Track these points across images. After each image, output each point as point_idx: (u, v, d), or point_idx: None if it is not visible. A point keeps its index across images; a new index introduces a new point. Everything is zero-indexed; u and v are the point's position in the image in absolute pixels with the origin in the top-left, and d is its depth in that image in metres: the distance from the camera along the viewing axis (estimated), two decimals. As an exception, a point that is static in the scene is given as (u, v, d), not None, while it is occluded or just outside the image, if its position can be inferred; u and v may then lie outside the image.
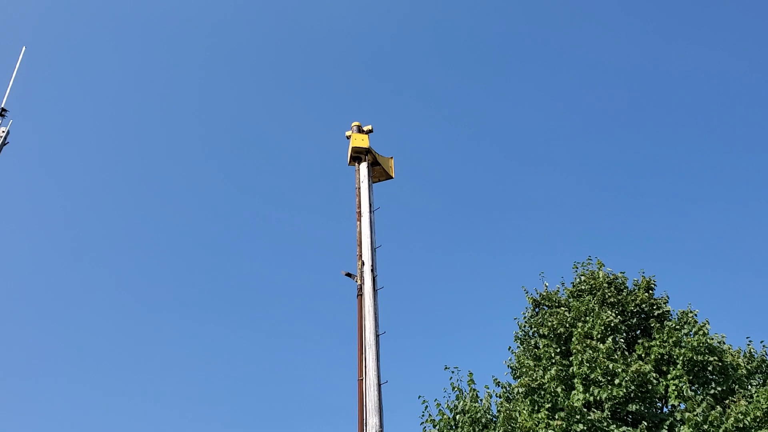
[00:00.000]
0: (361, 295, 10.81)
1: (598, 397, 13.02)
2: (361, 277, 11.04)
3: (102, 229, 49.52)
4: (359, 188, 12.26)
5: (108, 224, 50.39)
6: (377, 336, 10.20)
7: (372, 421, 9.35)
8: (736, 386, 13.66)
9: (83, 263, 48.19)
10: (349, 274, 11.16)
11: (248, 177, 53.04)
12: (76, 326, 45.18)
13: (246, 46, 53.73)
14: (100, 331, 45.38)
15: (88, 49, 51.11)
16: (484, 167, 52.42)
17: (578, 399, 12.98)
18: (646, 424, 12.71)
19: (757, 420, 12.40)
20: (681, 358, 13.56)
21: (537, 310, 16.23)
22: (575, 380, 13.39)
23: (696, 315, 14.90)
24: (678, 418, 12.91)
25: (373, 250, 11.42)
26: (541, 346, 14.74)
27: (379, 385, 9.67)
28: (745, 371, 14.00)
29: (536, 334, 15.55)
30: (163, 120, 52.38)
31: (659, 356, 13.81)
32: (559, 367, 13.76)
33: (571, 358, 13.91)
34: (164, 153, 52.42)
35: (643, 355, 14.06)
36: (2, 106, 13.32)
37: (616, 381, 13.01)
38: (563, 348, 14.61)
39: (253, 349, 45.43)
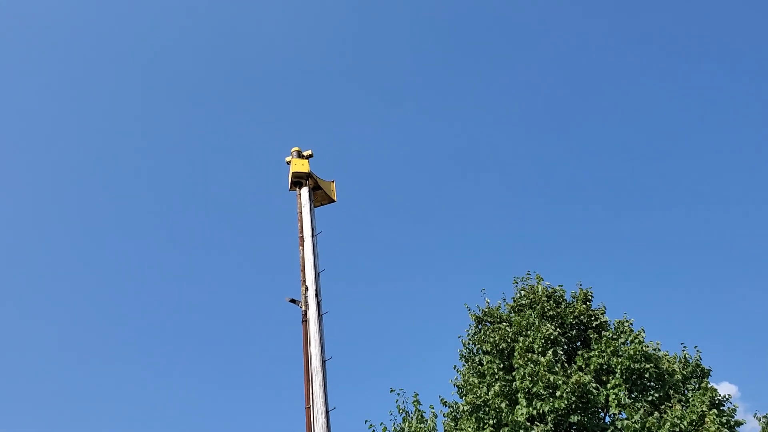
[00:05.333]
0: (306, 320, 10.73)
1: (540, 411, 13.27)
2: (305, 302, 10.97)
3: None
4: (301, 213, 12.22)
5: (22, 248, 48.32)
6: (323, 362, 10.14)
7: (321, 448, 9.29)
8: (672, 391, 14.15)
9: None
10: (293, 300, 11.07)
11: (186, 203, 52.10)
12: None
13: (184, 70, 53.07)
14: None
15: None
16: (425, 188, 52.99)
17: (522, 413, 13.21)
18: (588, 434, 13.04)
19: (693, 423, 12.88)
20: (619, 367, 13.97)
21: (480, 326, 16.45)
22: (518, 395, 13.62)
23: (632, 324, 15.42)
24: (618, 427, 13.27)
25: (316, 274, 11.37)
26: (484, 363, 14.95)
27: (327, 411, 9.61)
28: (680, 377, 14.51)
29: (480, 351, 15.77)
30: (96, 139, 51.07)
31: (598, 366, 14.19)
32: (503, 383, 13.98)
33: (514, 373, 14.15)
34: (96, 171, 51.03)
35: (583, 366, 14.42)
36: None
37: (558, 393, 13.30)
38: (506, 363, 14.85)
39: (196, 379, 44.29)
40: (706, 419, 12.82)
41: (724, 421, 13.24)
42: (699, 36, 52.19)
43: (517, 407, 13.42)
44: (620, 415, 13.62)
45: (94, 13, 50.32)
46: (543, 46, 53.17)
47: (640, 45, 51.77)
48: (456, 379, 15.60)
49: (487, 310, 16.54)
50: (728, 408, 13.96)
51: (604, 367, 14.23)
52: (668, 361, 14.68)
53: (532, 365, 13.73)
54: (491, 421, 13.39)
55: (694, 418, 12.88)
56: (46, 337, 45.04)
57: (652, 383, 14.20)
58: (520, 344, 14.44)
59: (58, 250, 48.85)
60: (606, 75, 52.75)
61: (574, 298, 16.22)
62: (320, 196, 12.65)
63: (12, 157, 48.52)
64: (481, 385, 14.30)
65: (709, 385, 14.13)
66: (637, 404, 13.45)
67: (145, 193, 51.30)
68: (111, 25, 50.41)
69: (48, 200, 49.57)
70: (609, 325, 15.65)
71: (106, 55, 51.01)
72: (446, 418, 14.80)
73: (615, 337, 14.92)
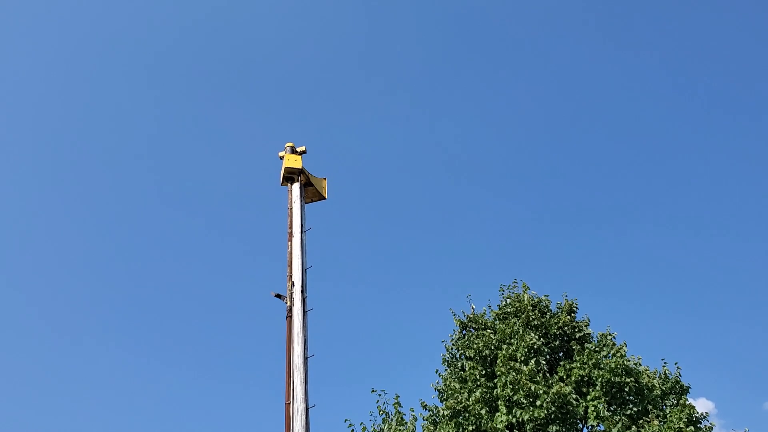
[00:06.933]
0: (291, 316, 10.73)
1: (520, 419, 13.31)
2: (291, 298, 10.96)
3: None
4: (291, 209, 12.21)
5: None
6: (306, 359, 10.14)
7: (299, 445, 9.28)
8: (651, 406, 14.23)
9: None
10: (278, 295, 11.06)
11: (175, 195, 51.82)
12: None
13: (176, 64, 52.86)
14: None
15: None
16: (417, 191, 53.04)
17: (501, 421, 13.25)
18: (566, 444, 13.08)
19: (670, 439, 12.95)
20: (600, 379, 14.04)
21: (464, 332, 16.48)
22: (499, 402, 13.66)
23: (614, 337, 15.51)
24: (596, 439, 13.34)
25: (303, 271, 11.36)
26: (467, 369, 14.98)
27: (307, 409, 9.61)
28: (659, 392, 14.60)
29: (463, 357, 15.79)
30: (89, 133, 50.81)
31: (579, 378, 14.25)
32: (484, 390, 14.01)
33: (495, 381, 14.18)
34: (88, 166, 50.76)
35: (564, 377, 14.48)
36: None
37: (538, 402, 13.35)
38: (488, 370, 14.88)
39: (175, 371, 44.03)
40: (683, 436, 12.91)
41: (701, 438, 13.35)
42: (697, 43, 52.50)
43: (497, 414, 13.46)
44: (598, 428, 13.68)
45: (88, 7, 50.10)
46: (540, 49, 53.36)
47: (636, 52, 52.03)
48: (437, 383, 15.62)
49: (472, 316, 16.58)
50: (705, 426, 14.06)
51: (585, 378, 14.29)
52: (648, 376, 14.77)
53: (514, 373, 13.78)
54: (470, 427, 13.42)
55: (671, 433, 12.96)
56: (33, 329, 44.73)
57: (632, 397, 14.28)
58: (503, 352, 14.48)
59: (45, 243, 48.54)
60: (600, 81, 53.01)
61: (559, 308, 16.29)
62: (311, 193, 12.65)
63: (3, 154, 48.19)
64: (462, 391, 14.32)
65: (687, 402, 14.22)
66: (615, 417, 13.52)
67: (134, 186, 51.08)
68: (102, 19, 50.22)
69: (36, 192, 49.23)
70: (592, 337, 15.73)
71: (95, 50, 50.80)
72: (426, 422, 14.81)
73: (597, 349, 14.99)
